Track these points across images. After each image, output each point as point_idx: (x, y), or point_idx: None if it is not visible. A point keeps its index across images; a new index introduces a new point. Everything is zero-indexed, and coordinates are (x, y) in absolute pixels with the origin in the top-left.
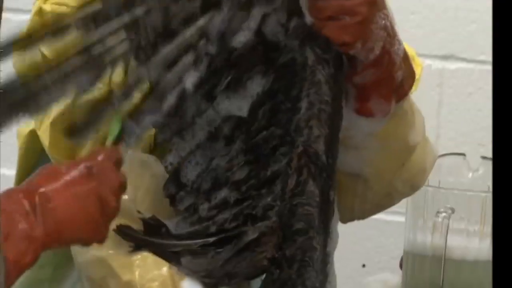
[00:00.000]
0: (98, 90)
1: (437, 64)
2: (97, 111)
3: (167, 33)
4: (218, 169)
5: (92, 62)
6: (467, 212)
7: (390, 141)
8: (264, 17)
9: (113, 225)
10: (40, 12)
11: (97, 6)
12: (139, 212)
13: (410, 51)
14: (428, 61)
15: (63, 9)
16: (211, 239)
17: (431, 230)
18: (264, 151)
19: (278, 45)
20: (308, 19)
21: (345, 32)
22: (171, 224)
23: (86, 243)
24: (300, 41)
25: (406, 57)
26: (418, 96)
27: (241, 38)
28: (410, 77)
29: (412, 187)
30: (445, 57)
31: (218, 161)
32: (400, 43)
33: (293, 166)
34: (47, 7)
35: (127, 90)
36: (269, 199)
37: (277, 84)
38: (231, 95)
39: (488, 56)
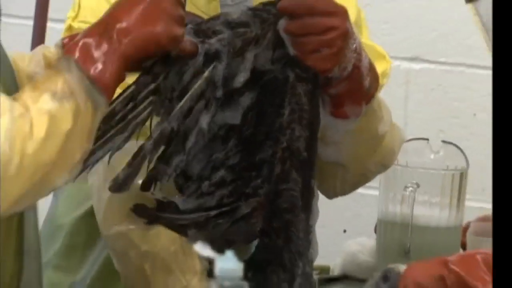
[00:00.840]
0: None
1: (405, 64)
2: (133, 164)
3: (181, 89)
4: (216, 160)
5: (126, 127)
6: (429, 186)
7: (363, 134)
8: (255, 57)
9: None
10: (69, 28)
11: (132, 88)
12: (152, 193)
13: (382, 51)
14: (397, 62)
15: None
16: (212, 213)
17: (400, 202)
18: (252, 144)
19: (264, 70)
20: (291, 51)
21: (324, 61)
22: (179, 202)
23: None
24: (282, 65)
25: (371, 67)
26: (389, 91)
27: (241, 79)
28: (375, 81)
29: (384, 166)
30: (411, 59)
31: (216, 155)
32: (366, 57)
33: (277, 157)
34: (75, 24)
35: (155, 143)
36: (258, 180)
37: (263, 95)
38: (226, 109)
39: (447, 58)
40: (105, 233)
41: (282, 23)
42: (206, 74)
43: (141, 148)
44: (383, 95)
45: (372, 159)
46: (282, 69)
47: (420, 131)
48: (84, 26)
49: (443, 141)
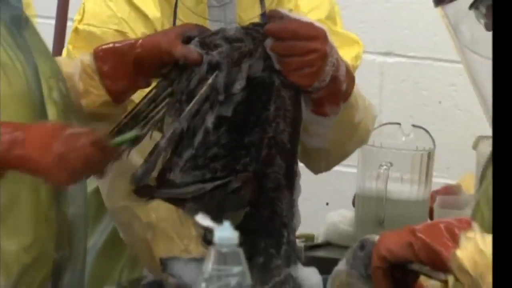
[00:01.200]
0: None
1: (380, 58)
2: (149, 160)
3: (188, 93)
4: (211, 141)
5: (148, 123)
6: (401, 165)
7: (342, 124)
8: (250, 67)
9: None
10: (76, 30)
11: (154, 91)
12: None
13: (355, 37)
14: (373, 57)
15: (92, 29)
16: (208, 186)
17: (375, 178)
18: (242, 129)
19: (255, 77)
20: (277, 66)
21: (305, 79)
22: (177, 177)
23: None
24: (269, 72)
25: (348, 71)
26: (365, 82)
27: (238, 86)
28: (351, 82)
29: (362, 143)
30: (385, 54)
31: (210, 138)
32: (343, 65)
33: (264, 143)
34: (80, 27)
35: (168, 140)
36: (247, 159)
37: (252, 93)
38: (221, 105)
39: (417, 53)
40: (109, 207)
41: (268, 42)
42: (210, 81)
43: (156, 146)
44: (361, 85)
45: (351, 142)
46: (270, 75)
47: (393, 117)
48: (88, 28)
49: (413, 125)
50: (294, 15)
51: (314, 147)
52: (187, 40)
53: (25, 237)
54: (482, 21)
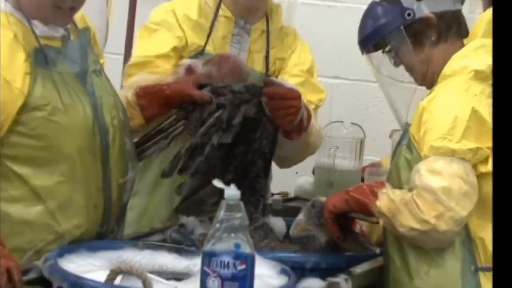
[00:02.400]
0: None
1: (330, 81)
2: (173, 162)
3: (201, 121)
4: (215, 152)
5: (168, 137)
6: (343, 148)
7: (301, 143)
8: (246, 108)
9: None
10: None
11: (174, 116)
12: None
13: (321, 87)
14: (325, 79)
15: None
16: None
17: (327, 156)
18: (237, 143)
19: (249, 116)
20: (267, 111)
21: (286, 122)
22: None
23: None
24: (259, 113)
25: (308, 114)
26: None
27: (237, 120)
28: (310, 119)
29: (312, 153)
30: (333, 77)
31: (214, 151)
32: (308, 110)
33: (251, 151)
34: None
35: (186, 150)
36: (237, 161)
37: (245, 124)
38: (224, 132)
39: (358, 76)
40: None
41: (264, 99)
42: (217, 115)
43: (178, 153)
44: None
45: (305, 153)
46: (259, 115)
47: (339, 117)
48: (137, 59)
49: (351, 123)
50: (282, 81)
51: (282, 156)
52: (200, 86)
53: (79, 219)
54: (392, 60)
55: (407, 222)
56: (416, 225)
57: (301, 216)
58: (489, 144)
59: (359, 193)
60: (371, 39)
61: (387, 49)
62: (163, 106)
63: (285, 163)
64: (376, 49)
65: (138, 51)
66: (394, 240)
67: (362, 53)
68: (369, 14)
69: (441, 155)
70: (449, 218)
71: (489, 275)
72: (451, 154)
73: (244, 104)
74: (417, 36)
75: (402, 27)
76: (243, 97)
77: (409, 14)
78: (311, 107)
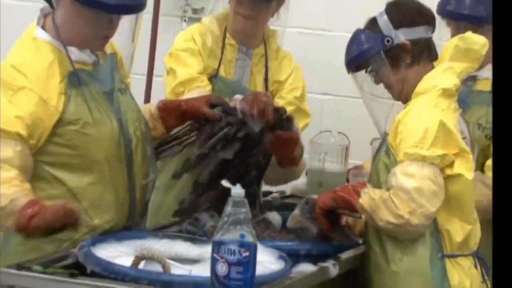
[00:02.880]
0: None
1: (320, 97)
2: (183, 168)
3: (211, 134)
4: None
5: (181, 144)
6: (331, 154)
7: (290, 171)
8: (250, 128)
9: None
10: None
11: (188, 127)
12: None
13: (308, 112)
14: (316, 96)
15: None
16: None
17: (318, 160)
18: (237, 155)
19: (251, 132)
20: (267, 146)
21: (287, 159)
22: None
23: None
24: (259, 133)
25: (301, 149)
26: (313, 109)
27: (241, 134)
28: (302, 153)
29: (296, 178)
30: (323, 94)
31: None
32: (301, 147)
33: (246, 162)
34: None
35: (196, 157)
36: (232, 170)
37: (247, 140)
38: (228, 144)
39: (345, 92)
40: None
41: (267, 139)
42: (225, 130)
43: (188, 159)
44: (313, 109)
45: (291, 177)
46: (259, 135)
47: (328, 128)
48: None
49: (338, 132)
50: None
51: (273, 178)
52: (212, 105)
53: (108, 215)
54: (373, 78)
55: (385, 217)
56: (393, 219)
57: (296, 211)
58: (455, 151)
59: (345, 193)
60: (355, 61)
61: (369, 69)
62: (180, 119)
63: (271, 183)
64: (359, 69)
65: (179, 72)
66: (374, 232)
67: (348, 72)
68: (354, 40)
69: (414, 160)
70: (420, 214)
71: (454, 261)
72: (422, 159)
73: (247, 126)
74: (395, 59)
75: (382, 51)
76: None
77: (388, 41)
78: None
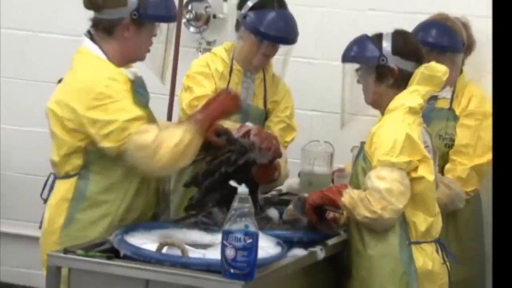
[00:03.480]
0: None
1: (310, 113)
2: (192, 181)
3: (214, 157)
4: (223, 176)
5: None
6: (319, 159)
7: (273, 184)
8: (249, 156)
9: None
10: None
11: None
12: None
13: (295, 126)
14: (306, 112)
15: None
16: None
17: (308, 164)
18: (236, 172)
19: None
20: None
21: (269, 181)
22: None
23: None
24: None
25: (279, 170)
26: (302, 125)
27: (241, 162)
28: (279, 174)
29: (280, 185)
30: (312, 110)
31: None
32: (279, 168)
33: (244, 179)
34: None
35: (203, 173)
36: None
37: (245, 166)
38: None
39: (330, 109)
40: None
41: (253, 168)
42: (227, 155)
43: (196, 174)
44: (305, 122)
45: (274, 187)
46: (253, 162)
47: (316, 138)
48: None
49: (325, 141)
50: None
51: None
52: (218, 134)
53: (138, 212)
54: (357, 76)
55: (362, 212)
56: (368, 214)
57: (290, 206)
58: (418, 157)
59: (330, 193)
60: (351, 59)
61: (358, 70)
62: None
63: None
64: (351, 63)
65: (195, 90)
66: (355, 224)
67: (342, 62)
68: (359, 41)
69: (385, 166)
70: (390, 210)
71: (419, 247)
72: (392, 165)
73: (247, 154)
74: (381, 76)
75: (374, 65)
76: (247, 149)
77: (383, 60)
78: (285, 145)
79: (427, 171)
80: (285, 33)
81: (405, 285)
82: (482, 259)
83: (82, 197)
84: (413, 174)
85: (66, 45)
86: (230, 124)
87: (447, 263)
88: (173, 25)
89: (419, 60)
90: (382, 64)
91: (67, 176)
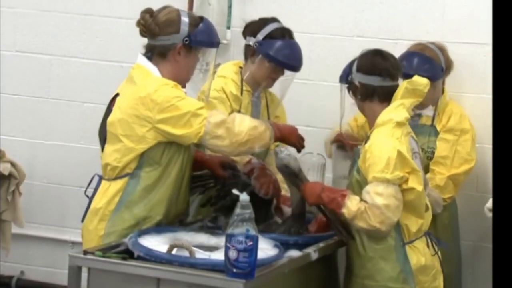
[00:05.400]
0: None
1: (304, 128)
2: (207, 202)
3: (223, 186)
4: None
5: (202, 187)
6: (312, 169)
7: None
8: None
9: None
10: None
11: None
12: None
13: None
14: (300, 127)
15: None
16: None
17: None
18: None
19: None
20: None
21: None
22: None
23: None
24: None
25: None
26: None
27: (245, 194)
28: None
29: None
30: (306, 126)
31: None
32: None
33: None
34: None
35: (215, 198)
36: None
37: (252, 194)
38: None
39: (322, 125)
40: None
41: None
42: (231, 182)
43: (210, 197)
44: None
45: None
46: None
47: (310, 151)
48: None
49: (317, 153)
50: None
51: None
52: (223, 165)
53: (160, 217)
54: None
55: (360, 224)
56: (366, 227)
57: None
58: (408, 170)
59: (330, 203)
60: (339, 79)
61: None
62: (199, 166)
63: None
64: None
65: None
66: (355, 228)
67: (340, 82)
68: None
69: (381, 182)
70: (388, 224)
71: (412, 246)
72: (387, 181)
73: (249, 187)
74: (352, 92)
75: (345, 83)
76: (248, 185)
77: (349, 78)
78: None
79: (416, 182)
80: (297, 61)
81: (402, 281)
82: (458, 259)
83: (131, 194)
84: (404, 186)
85: (87, 69)
86: (239, 158)
87: (438, 253)
88: (216, 50)
89: (381, 74)
90: (349, 82)
91: (119, 177)
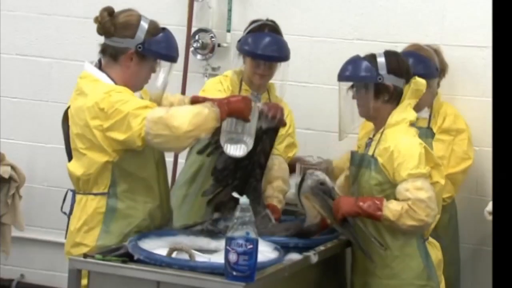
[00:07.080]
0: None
1: (304, 131)
2: (211, 188)
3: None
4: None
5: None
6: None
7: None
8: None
9: None
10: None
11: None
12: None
13: (296, 143)
14: (302, 130)
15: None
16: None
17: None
18: (241, 159)
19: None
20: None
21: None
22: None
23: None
24: (262, 133)
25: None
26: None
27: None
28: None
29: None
30: (306, 129)
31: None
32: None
33: (252, 162)
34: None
35: (218, 171)
36: (242, 171)
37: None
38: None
39: (323, 128)
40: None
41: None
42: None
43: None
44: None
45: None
46: (262, 133)
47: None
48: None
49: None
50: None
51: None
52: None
53: (155, 222)
54: (353, 93)
55: (408, 222)
56: (415, 223)
57: (309, 183)
58: (432, 165)
59: (368, 208)
60: (348, 79)
61: (354, 87)
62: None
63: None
64: (349, 82)
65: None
66: (375, 230)
67: (340, 80)
68: (352, 62)
69: (418, 177)
70: (432, 216)
71: (430, 242)
72: (423, 175)
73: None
74: (378, 92)
75: (373, 83)
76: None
77: (380, 78)
78: (288, 160)
79: (439, 177)
80: (269, 51)
81: (427, 278)
82: (458, 261)
83: (113, 211)
84: (429, 180)
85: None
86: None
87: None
88: (173, 66)
89: (407, 78)
90: (379, 82)
91: (96, 193)
